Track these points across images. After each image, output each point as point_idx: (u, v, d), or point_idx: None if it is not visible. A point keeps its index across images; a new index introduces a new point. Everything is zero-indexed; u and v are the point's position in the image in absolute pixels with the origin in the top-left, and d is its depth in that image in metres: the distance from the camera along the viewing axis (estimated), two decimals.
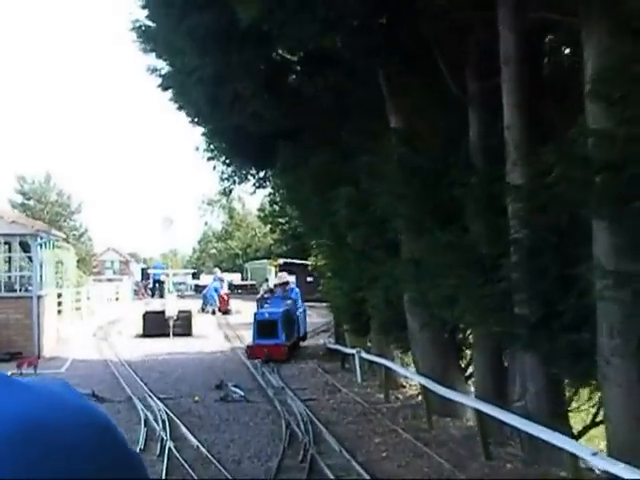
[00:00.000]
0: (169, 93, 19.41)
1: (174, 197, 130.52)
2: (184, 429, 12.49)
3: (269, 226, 66.78)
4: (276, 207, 60.28)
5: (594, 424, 10.59)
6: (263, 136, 17.74)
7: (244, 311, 36.12)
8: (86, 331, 30.05)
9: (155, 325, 28.11)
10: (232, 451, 11.33)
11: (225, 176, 57.08)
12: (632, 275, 7.13)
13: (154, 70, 19.60)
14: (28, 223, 25.28)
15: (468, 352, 13.99)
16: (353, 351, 17.46)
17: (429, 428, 12.36)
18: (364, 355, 16.81)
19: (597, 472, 8.84)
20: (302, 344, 22.88)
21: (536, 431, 8.74)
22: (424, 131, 12.16)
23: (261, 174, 58.85)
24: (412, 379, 16.23)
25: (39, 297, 23.24)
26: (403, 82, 13.16)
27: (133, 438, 11.50)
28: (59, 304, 32.30)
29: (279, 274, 24.37)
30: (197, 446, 11.36)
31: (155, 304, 37.65)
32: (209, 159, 55.84)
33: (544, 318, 8.70)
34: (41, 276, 24.21)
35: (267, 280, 47.64)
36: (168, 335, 27.45)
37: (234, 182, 58.44)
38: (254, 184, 60.51)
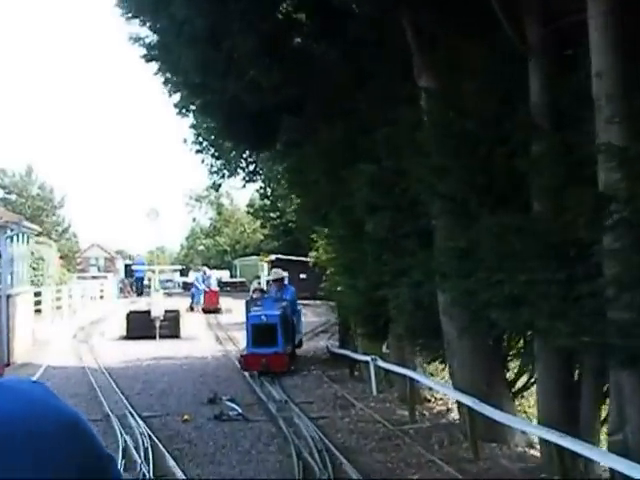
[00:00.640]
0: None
1: (161, 193, 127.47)
2: (171, 461, 10.09)
3: (259, 222, 65.33)
4: (267, 201, 58.45)
5: None
6: (262, 111, 15.37)
7: (235, 309, 33.92)
8: (66, 332, 27.61)
9: (140, 326, 25.73)
10: None
11: (214, 169, 54.81)
12: None
13: (137, 39, 17.32)
14: None
15: (512, 363, 11.66)
16: (367, 358, 15.08)
17: (474, 458, 10.01)
18: (381, 364, 14.45)
19: None
20: (298, 351, 20.05)
21: None
22: (467, 91, 9.79)
23: (251, 167, 56.62)
24: (437, 391, 13.95)
25: (9, 296, 20.79)
26: (437, 35, 10.82)
27: None
28: (38, 303, 30.31)
29: (273, 270, 21.15)
30: None
31: (140, 303, 35.57)
32: (197, 152, 53.26)
33: None
34: (12, 273, 21.82)
35: (258, 277, 45.49)
36: (154, 337, 25.04)
37: (223, 176, 56.25)
38: (244, 178, 58.19)
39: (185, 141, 49.37)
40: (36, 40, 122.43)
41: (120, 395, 14.93)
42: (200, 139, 51.17)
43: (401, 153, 11.21)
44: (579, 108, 8.06)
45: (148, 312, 26.20)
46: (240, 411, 13.10)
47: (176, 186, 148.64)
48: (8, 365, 19.42)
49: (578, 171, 7.62)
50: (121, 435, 11.43)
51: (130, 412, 13.14)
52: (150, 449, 10.60)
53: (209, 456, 10.61)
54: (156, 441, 11.12)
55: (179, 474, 9.51)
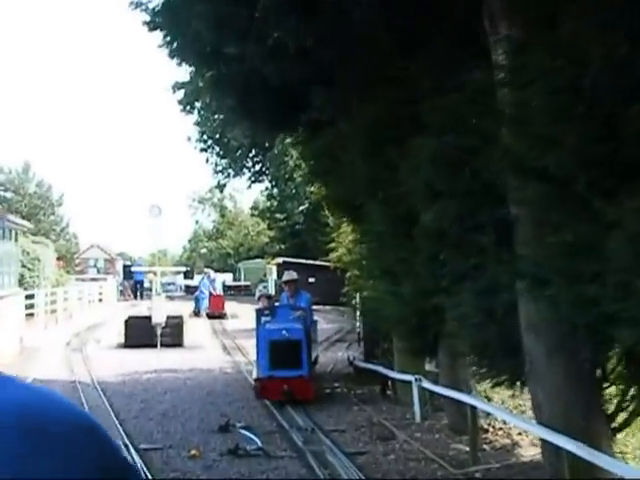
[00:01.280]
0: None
1: (164, 194, 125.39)
2: None
3: (263, 224, 64.03)
4: (274, 202, 56.61)
5: None
6: (285, 85, 13.04)
7: (241, 315, 31.69)
8: (59, 339, 25.27)
9: (139, 333, 23.39)
10: None
11: (219, 168, 52.36)
12: None
13: (139, 4, 15.06)
14: None
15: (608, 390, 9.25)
16: (409, 377, 12.67)
17: None
18: (427, 385, 12.05)
19: None
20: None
21: None
22: (567, 39, 7.42)
23: (257, 167, 54.16)
24: (495, 418, 11.58)
25: None
26: None
27: None
28: (30, 307, 28.18)
29: (287, 272, 17.95)
30: None
31: (141, 307, 33.44)
32: (202, 150, 50.84)
33: None
34: None
35: (263, 281, 43.27)
36: (155, 345, 22.75)
37: (228, 175, 53.83)
38: (249, 178, 55.85)
39: (189, 139, 47.29)
40: (34, 35, 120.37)
41: (114, 419, 12.51)
42: (205, 137, 49.15)
43: (469, 124, 8.85)
44: None
45: (148, 318, 23.87)
46: (260, 444, 10.67)
47: (179, 188, 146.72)
48: None
49: None
50: None
51: (125, 443, 10.72)
52: None
53: None
54: None
55: None
